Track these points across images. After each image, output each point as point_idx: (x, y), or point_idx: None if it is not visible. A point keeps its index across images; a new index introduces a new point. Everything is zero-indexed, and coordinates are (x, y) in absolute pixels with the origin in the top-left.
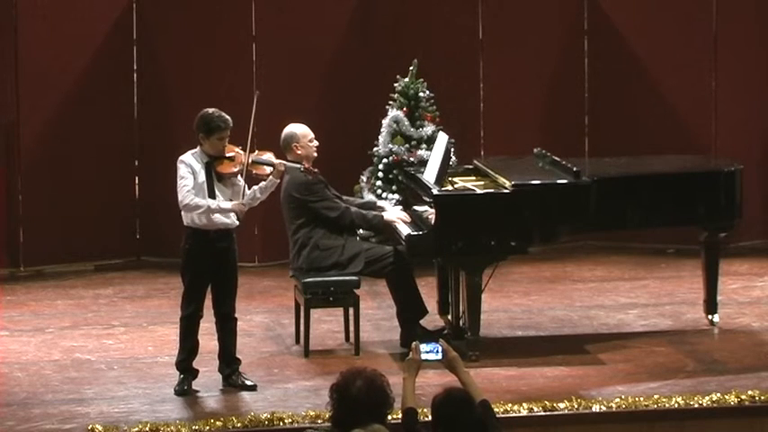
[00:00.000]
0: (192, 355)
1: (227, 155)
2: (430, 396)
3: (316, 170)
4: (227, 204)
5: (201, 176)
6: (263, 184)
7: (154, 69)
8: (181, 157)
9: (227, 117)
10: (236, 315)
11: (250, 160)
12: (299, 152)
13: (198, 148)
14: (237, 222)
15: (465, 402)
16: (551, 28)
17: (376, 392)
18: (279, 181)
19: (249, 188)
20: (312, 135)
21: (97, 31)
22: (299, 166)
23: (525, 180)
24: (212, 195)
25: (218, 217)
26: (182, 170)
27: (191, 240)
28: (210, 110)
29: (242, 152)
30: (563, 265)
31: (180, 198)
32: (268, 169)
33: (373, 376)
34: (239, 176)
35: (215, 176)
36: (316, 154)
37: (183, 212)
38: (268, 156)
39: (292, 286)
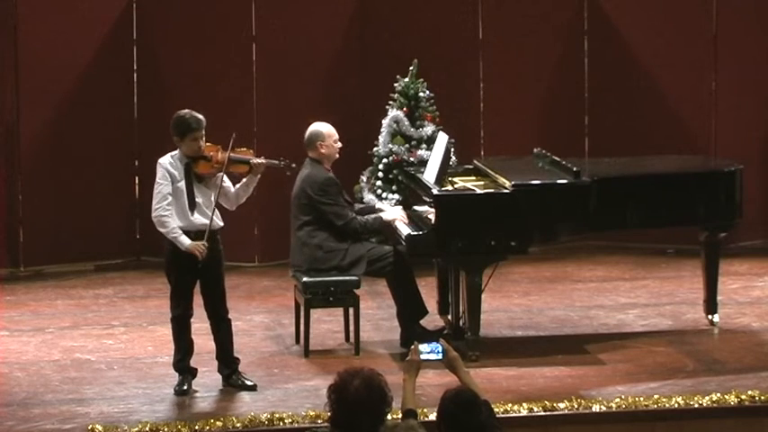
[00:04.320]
0: (188, 355)
1: (205, 155)
2: (430, 396)
3: (294, 165)
4: (186, 242)
5: (180, 178)
6: (243, 182)
7: (154, 69)
8: (159, 160)
9: (200, 117)
10: (235, 315)
11: (227, 159)
12: (322, 151)
13: (178, 151)
14: (221, 224)
15: (471, 405)
16: (551, 28)
17: (374, 392)
18: (258, 177)
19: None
20: (337, 136)
21: (97, 31)
22: (277, 162)
23: (525, 180)
24: (191, 197)
25: (197, 217)
26: (159, 174)
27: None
28: (183, 111)
29: (219, 151)
30: (563, 265)
31: (153, 206)
32: (245, 168)
33: (371, 375)
34: (223, 176)
35: (194, 177)
36: (338, 155)
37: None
38: (246, 153)
39: (292, 286)
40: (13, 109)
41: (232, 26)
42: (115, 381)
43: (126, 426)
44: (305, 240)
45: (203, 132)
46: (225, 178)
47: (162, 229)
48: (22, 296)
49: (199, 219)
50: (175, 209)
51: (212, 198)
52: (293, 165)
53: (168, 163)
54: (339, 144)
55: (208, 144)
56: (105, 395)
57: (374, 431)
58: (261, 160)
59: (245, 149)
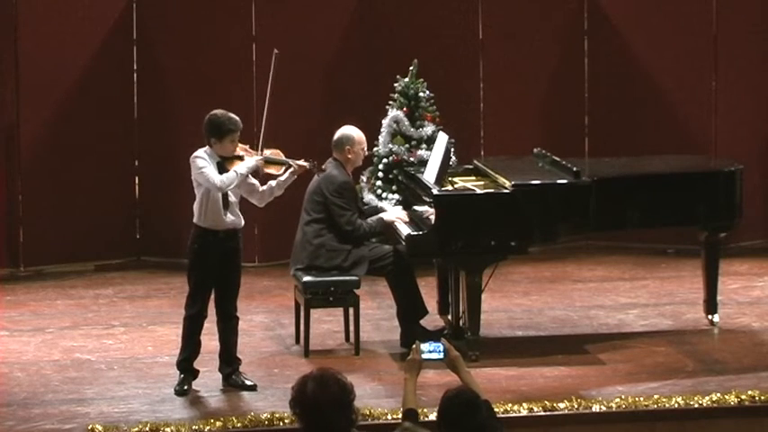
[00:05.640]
0: (194, 356)
1: (239, 155)
2: (430, 396)
3: (324, 168)
4: (251, 161)
5: None
6: (281, 179)
7: (154, 69)
8: (195, 153)
9: (237, 118)
10: (238, 315)
11: (263, 160)
12: (349, 156)
13: (208, 148)
14: (243, 222)
15: (471, 405)
16: (551, 28)
17: (330, 386)
18: (296, 177)
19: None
20: (366, 144)
21: (97, 31)
22: (309, 163)
23: (525, 180)
24: (225, 196)
25: (229, 216)
26: (200, 162)
27: (200, 240)
28: (218, 112)
29: (252, 151)
30: (563, 265)
31: (211, 180)
32: (278, 168)
33: (321, 373)
34: (250, 175)
35: None
36: (361, 163)
37: (196, 210)
38: (278, 154)
39: (292, 286)
40: (13, 109)
41: (232, 26)
42: (115, 381)
43: (126, 426)
44: (310, 238)
45: (239, 133)
46: (252, 177)
47: (235, 183)
48: (22, 296)
49: (230, 218)
50: (209, 207)
51: (241, 196)
52: (323, 167)
53: (205, 157)
54: (366, 153)
55: (238, 143)
56: (105, 395)
57: (351, 423)
58: (301, 162)
59: (274, 150)
